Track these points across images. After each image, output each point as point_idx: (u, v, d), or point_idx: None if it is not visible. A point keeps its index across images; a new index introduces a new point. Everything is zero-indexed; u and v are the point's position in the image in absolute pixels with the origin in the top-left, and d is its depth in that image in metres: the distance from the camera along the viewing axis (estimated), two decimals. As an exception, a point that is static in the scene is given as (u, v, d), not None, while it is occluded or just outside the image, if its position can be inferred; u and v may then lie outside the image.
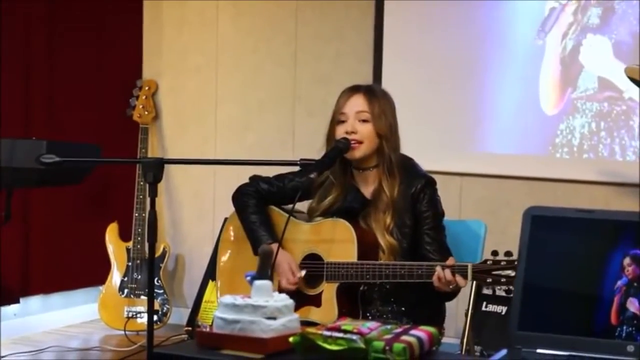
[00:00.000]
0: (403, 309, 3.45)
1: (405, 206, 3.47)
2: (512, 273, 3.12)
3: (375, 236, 3.45)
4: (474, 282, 3.63)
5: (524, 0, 5.30)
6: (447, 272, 3.22)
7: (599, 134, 5.15)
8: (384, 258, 3.41)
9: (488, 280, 3.20)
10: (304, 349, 2.37)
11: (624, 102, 5.09)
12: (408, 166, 3.54)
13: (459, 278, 3.22)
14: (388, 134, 3.49)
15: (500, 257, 3.20)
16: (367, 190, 3.55)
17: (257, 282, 2.54)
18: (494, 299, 4.77)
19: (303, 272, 3.48)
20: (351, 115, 3.50)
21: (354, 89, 3.56)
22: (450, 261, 3.25)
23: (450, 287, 3.25)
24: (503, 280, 3.15)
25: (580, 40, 5.20)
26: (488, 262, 3.19)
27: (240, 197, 3.65)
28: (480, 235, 3.79)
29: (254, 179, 3.69)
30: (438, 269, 3.23)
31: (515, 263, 3.10)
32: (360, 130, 3.48)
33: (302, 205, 3.66)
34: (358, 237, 3.41)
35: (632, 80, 4.47)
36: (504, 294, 4.10)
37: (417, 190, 3.48)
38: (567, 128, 5.23)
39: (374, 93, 3.55)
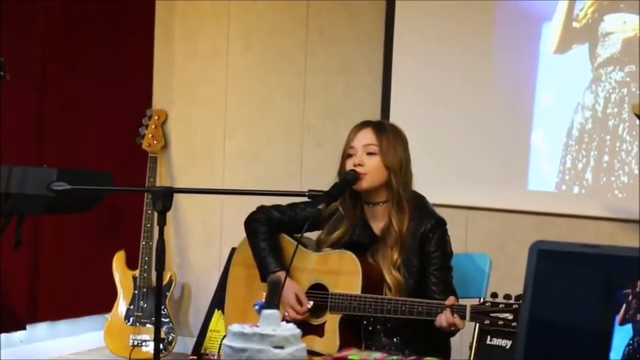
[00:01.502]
0: (406, 342, 3.47)
1: (414, 245, 3.49)
2: (509, 316, 3.15)
3: (381, 272, 3.47)
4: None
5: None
6: (447, 313, 3.25)
7: (605, 169, 5.17)
8: (390, 295, 3.43)
9: (486, 322, 3.22)
10: (311, 378, 2.39)
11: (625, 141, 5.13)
12: (419, 204, 3.56)
13: (457, 319, 3.24)
14: (397, 168, 3.52)
15: (500, 298, 3.21)
16: (377, 226, 3.57)
17: (265, 311, 2.56)
18: (499, 333, 4.77)
19: (311, 304, 3.50)
20: (359, 149, 3.54)
21: (363, 124, 3.61)
22: (450, 301, 3.28)
23: (452, 328, 3.27)
24: (500, 323, 3.17)
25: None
26: (487, 304, 3.21)
27: (252, 223, 3.69)
28: (485, 268, 3.82)
29: (263, 208, 3.73)
30: (438, 319, 3.25)
31: (514, 307, 3.13)
32: (367, 163, 3.52)
33: (313, 235, 3.69)
34: (364, 271, 3.44)
35: (638, 117, 4.50)
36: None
37: (427, 230, 3.50)
38: (572, 163, 5.25)
39: (383, 127, 3.59)
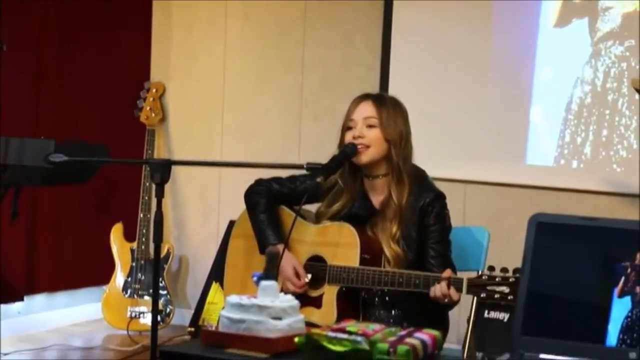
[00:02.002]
0: (404, 315, 3.47)
1: (413, 219, 3.49)
2: (506, 289, 3.15)
3: (380, 245, 3.47)
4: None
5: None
6: (443, 285, 3.25)
7: (604, 144, 5.17)
8: (389, 268, 3.43)
9: (482, 295, 3.22)
10: (309, 349, 2.39)
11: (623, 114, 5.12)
12: (419, 178, 3.55)
13: (452, 291, 3.24)
14: (397, 140, 3.51)
15: (497, 272, 3.21)
16: (377, 199, 3.57)
17: (263, 283, 2.57)
18: (496, 306, 4.78)
19: (309, 277, 3.51)
20: (359, 121, 3.53)
21: (363, 97, 3.60)
22: (447, 273, 3.28)
23: (446, 300, 3.27)
24: (497, 296, 3.17)
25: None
26: (483, 277, 3.21)
27: (252, 195, 3.69)
28: (483, 242, 3.82)
29: (262, 180, 3.72)
30: (432, 290, 3.25)
31: (511, 280, 3.13)
32: (367, 135, 3.50)
33: (313, 207, 3.69)
34: (363, 244, 3.44)
35: (638, 91, 4.49)
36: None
37: (426, 204, 3.49)
38: (571, 138, 5.25)
39: (383, 100, 3.58)
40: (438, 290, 3.25)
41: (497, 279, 3.18)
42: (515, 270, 3.15)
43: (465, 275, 3.31)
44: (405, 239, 3.48)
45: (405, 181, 3.51)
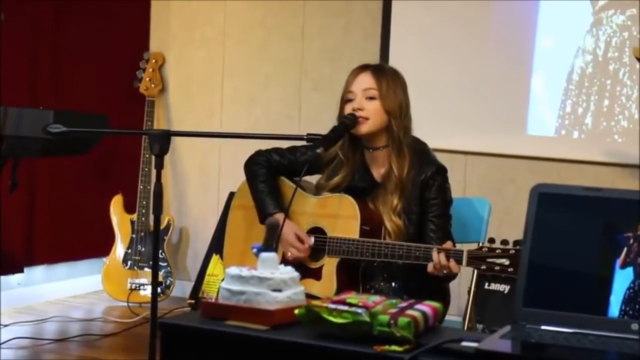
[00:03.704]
0: (404, 287, 3.46)
1: (414, 192, 3.47)
2: (506, 262, 3.14)
3: (381, 218, 3.45)
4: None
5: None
6: (442, 257, 3.24)
7: (605, 114, 5.15)
8: (389, 241, 3.42)
9: (482, 267, 3.21)
10: (309, 321, 2.38)
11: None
12: (421, 151, 3.53)
13: (452, 263, 3.23)
14: (397, 111, 3.48)
15: (497, 244, 3.20)
16: (378, 172, 3.55)
17: (263, 254, 2.55)
18: (497, 278, 4.78)
19: (312, 240, 3.50)
20: (358, 93, 3.51)
21: (362, 68, 3.57)
22: (447, 245, 3.27)
23: (444, 272, 3.26)
24: (497, 268, 3.17)
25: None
26: (483, 249, 3.20)
27: (251, 165, 3.68)
28: (484, 213, 3.81)
29: (263, 151, 3.71)
30: (434, 254, 3.24)
31: (511, 252, 3.12)
32: (366, 107, 3.48)
33: (313, 179, 3.67)
34: (363, 216, 3.43)
35: (639, 60, 4.47)
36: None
37: (427, 177, 3.47)
38: (572, 108, 5.23)
39: (383, 71, 3.55)
40: (436, 260, 3.23)
41: (497, 251, 3.17)
42: (516, 242, 3.14)
43: (465, 247, 3.30)
44: (406, 212, 3.46)
45: (406, 153, 3.49)
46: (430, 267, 3.27)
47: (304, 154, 3.64)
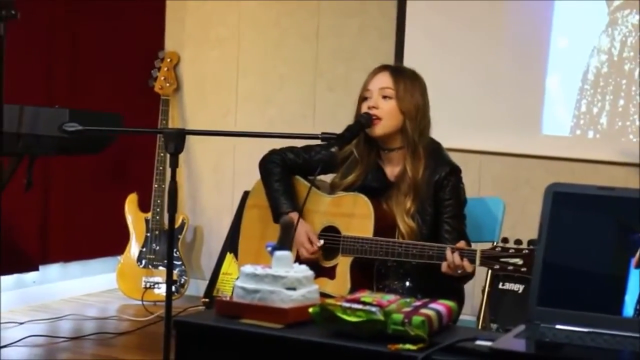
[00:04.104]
0: (418, 286, 3.46)
1: (428, 193, 3.46)
2: (519, 261, 3.13)
3: (394, 219, 3.45)
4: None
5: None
6: (456, 256, 3.23)
7: (620, 114, 5.13)
8: None
9: (495, 267, 3.20)
10: (323, 319, 2.38)
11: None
12: (435, 152, 3.52)
13: (466, 263, 3.22)
14: (413, 113, 3.47)
15: (511, 244, 3.20)
16: (392, 172, 3.54)
17: (278, 253, 2.56)
18: (511, 278, 4.77)
19: (321, 242, 3.50)
20: (375, 92, 3.50)
21: (381, 67, 3.57)
22: (460, 244, 3.26)
23: (459, 272, 3.25)
24: (510, 268, 3.16)
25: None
26: (497, 249, 3.19)
27: (266, 164, 3.68)
28: (498, 213, 3.80)
29: (277, 150, 3.71)
30: (447, 253, 3.23)
31: (524, 252, 3.11)
32: (381, 106, 3.48)
33: (328, 178, 3.68)
34: (377, 216, 3.43)
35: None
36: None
37: (441, 178, 3.47)
38: (587, 108, 5.21)
39: (402, 72, 3.55)
40: (450, 259, 3.23)
41: (510, 251, 3.16)
42: (530, 242, 3.14)
43: (480, 247, 3.29)
44: (420, 213, 3.45)
45: (421, 155, 3.47)
46: (444, 267, 3.26)
47: (318, 152, 3.64)
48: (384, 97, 3.49)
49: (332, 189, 3.62)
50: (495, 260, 3.19)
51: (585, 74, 5.22)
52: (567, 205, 2.37)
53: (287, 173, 3.66)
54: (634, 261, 2.28)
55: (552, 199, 2.38)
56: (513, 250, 3.16)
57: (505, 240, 3.21)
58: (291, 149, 3.70)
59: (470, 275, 3.33)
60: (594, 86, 5.20)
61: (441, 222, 3.48)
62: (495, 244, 3.31)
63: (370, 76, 3.56)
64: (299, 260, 3.40)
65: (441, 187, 3.47)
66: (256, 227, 3.73)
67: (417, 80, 3.55)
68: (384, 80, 3.51)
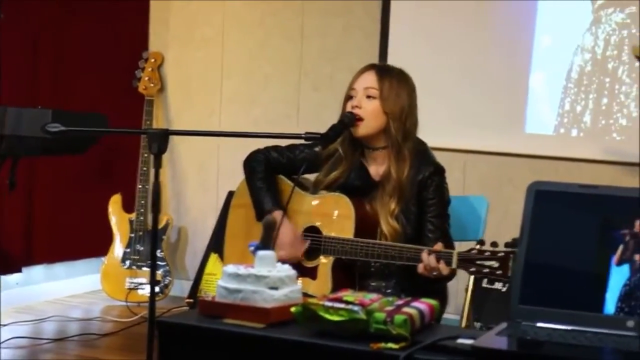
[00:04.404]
0: (400, 285, 3.45)
1: (412, 192, 3.46)
2: (495, 264, 3.13)
3: (377, 220, 3.44)
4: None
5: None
6: (432, 258, 3.22)
7: (604, 112, 5.15)
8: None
9: (471, 270, 3.20)
10: (306, 319, 2.38)
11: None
12: (421, 152, 3.51)
13: (442, 265, 3.22)
14: (397, 114, 3.45)
15: (489, 246, 3.20)
16: (376, 171, 3.54)
17: (260, 252, 2.55)
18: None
19: (308, 243, 3.49)
20: (360, 91, 3.50)
21: (368, 67, 3.56)
22: (437, 246, 3.26)
23: (434, 273, 3.24)
24: (486, 270, 3.15)
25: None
26: (473, 251, 3.19)
27: (250, 162, 3.68)
28: (482, 211, 3.81)
29: (262, 148, 3.70)
30: (423, 255, 3.23)
31: (499, 255, 3.11)
32: (364, 106, 3.47)
33: (312, 177, 3.67)
34: (360, 217, 3.42)
35: (638, 59, 4.46)
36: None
37: (425, 177, 3.46)
38: (571, 106, 5.23)
39: (388, 72, 3.53)
40: (426, 261, 3.22)
41: (486, 254, 3.16)
42: (507, 244, 3.13)
43: (463, 246, 3.29)
44: (404, 213, 3.45)
45: (406, 156, 3.46)
46: (420, 268, 3.26)
47: (302, 152, 3.64)
48: (368, 96, 3.48)
49: (315, 186, 3.61)
50: (471, 263, 3.18)
51: (569, 72, 5.24)
52: (549, 203, 2.37)
53: (270, 172, 3.65)
54: (615, 258, 2.29)
55: (534, 197, 2.38)
56: (489, 253, 3.16)
57: (481, 242, 3.21)
58: (275, 148, 3.69)
59: (448, 277, 3.32)
60: (578, 85, 5.21)
61: (425, 222, 3.47)
62: (476, 245, 3.30)
63: (356, 75, 3.55)
64: (281, 259, 3.38)
65: (425, 187, 3.47)
66: (241, 227, 3.73)
67: (404, 80, 3.54)
68: (369, 80, 3.50)
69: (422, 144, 3.55)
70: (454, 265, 3.20)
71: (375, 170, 3.54)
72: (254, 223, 3.60)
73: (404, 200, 3.45)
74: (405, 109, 3.48)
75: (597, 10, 5.16)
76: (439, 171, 3.50)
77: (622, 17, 5.10)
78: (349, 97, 3.53)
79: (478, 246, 3.18)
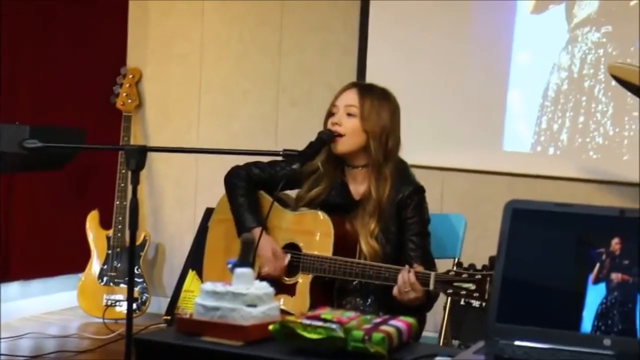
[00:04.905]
0: (379, 303, 3.46)
1: (391, 212, 3.46)
2: (472, 286, 3.14)
3: (357, 239, 3.44)
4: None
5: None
6: (412, 275, 3.22)
7: (580, 130, 5.17)
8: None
9: (449, 291, 3.21)
10: (284, 336, 2.38)
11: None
12: (401, 172, 3.52)
13: (417, 285, 3.22)
14: (377, 134, 3.45)
15: (466, 267, 3.20)
16: (357, 190, 3.54)
17: (238, 270, 2.55)
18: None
19: (288, 258, 3.49)
20: (341, 108, 3.50)
21: (351, 84, 3.57)
22: (417, 269, 3.26)
23: (408, 296, 3.24)
24: (463, 292, 3.16)
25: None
26: (450, 273, 3.20)
27: (232, 179, 3.67)
28: (460, 229, 3.81)
29: (243, 164, 3.70)
30: (403, 272, 3.23)
31: (477, 277, 3.12)
32: (344, 123, 3.48)
33: (294, 193, 3.67)
34: (339, 235, 3.43)
35: (615, 78, 4.49)
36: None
37: (404, 197, 3.46)
38: (548, 124, 5.25)
39: (370, 91, 3.53)
40: (406, 277, 3.22)
41: (463, 276, 3.17)
42: (484, 267, 3.14)
43: (441, 263, 3.30)
44: (384, 233, 3.45)
45: (387, 176, 3.46)
46: (394, 291, 3.26)
47: (283, 168, 3.64)
48: (349, 114, 3.49)
49: (297, 201, 3.62)
50: (448, 285, 3.19)
51: (545, 90, 5.26)
52: (526, 222, 2.38)
53: (252, 188, 3.65)
54: (592, 277, 2.30)
55: (511, 216, 2.39)
56: (466, 275, 3.16)
57: (459, 264, 3.22)
58: (256, 164, 3.69)
59: (423, 305, 3.32)
60: (555, 103, 5.24)
61: (405, 240, 3.47)
62: (458, 259, 3.31)
63: (338, 92, 3.56)
64: (259, 276, 3.38)
65: (404, 206, 3.47)
66: (221, 243, 3.72)
67: (387, 100, 3.54)
68: (350, 98, 3.51)
69: (402, 162, 3.56)
70: (431, 287, 3.21)
71: (355, 189, 3.55)
72: (234, 239, 3.60)
73: (384, 220, 3.45)
74: (386, 129, 3.48)
75: (573, 30, 5.20)
76: (419, 190, 3.51)
77: (598, 37, 5.13)
78: (330, 114, 3.53)
79: (456, 268, 3.19)
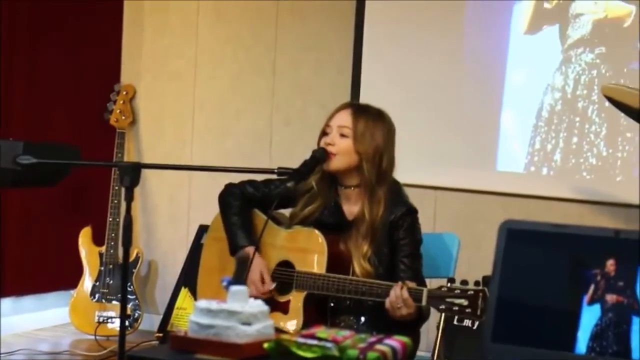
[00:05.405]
0: (372, 322, 3.46)
1: (384, 233, 3.47)
2: (464, 302, 3.15)
3: (350, 259, 3.45)
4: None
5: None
6: (404, 291, 3.23)
7: (574, 151, 5.18)
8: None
9: (441, 307, 3.22)
10: (278, 355, 2.38)
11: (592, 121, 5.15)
12: (393, 192, 3.53)
13: (410, 300, 3.23)
14: (370, 155, 3.46)
15: (458, 284, 3.21)
16: (350, 210, 3.55)
17: (233, 288, 2.55)
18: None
19: (273, 285, 3.50)
20: (334, 128, 3.52)
21: (345, 105, 3.60)
22: (410, 284, 3.27)
23: (400, 312, 3.25)
24: (455, 308, 3.17)
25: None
26: (443, 289, 3.20)
27: (226, 197, 3.68)
28: (453, 248, 3.82)
29: (237, 183, 3.70)
30: (395, 287, 3.24)
31: (469, 293, 3.13)
32: (337, 143, 3.49)
33: (288, 212, 3.68)
34: (332, 254, 3.44)
35: (608, 99, 4.50)
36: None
37: (397, 218, 3.47)
38: (541, 145, 5.26)
39: (365, 112, 3.54)
40: (398, 292, 3.23)
41: (456, 291, 3.17)
42: (477, 283, 3.15)
43: (434, 282, 3.30)
44: (377, 254, 3.46)
45: (381, 198, 3.47)
46: (387, 304, 3.27)
47: (277, 187, 3.64)
48: (342, 135, 3.50)
49: (291, 219, 3.62)
50: (441, 300, 3.20)
51: (539, 111, 5.28)
52: (520, 242, 2.38)
53: (245, 206, 3.65)
54: (586, 298, 2.30)
55: (506, 236, 2.39)
56: (459, 291, 3.17)
57: (451, 280, 3.23)
58: (251, 182, 3.70)
59: (415, 321, 3.33)
60: (548, 123, 5.25)
61: (397, 262, 3.48)
62: (448, 283, 3.31)
63: (333, 112, 3.58)
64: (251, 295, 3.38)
65: (397, 227, 3.48)
66: (215, 261, 3.73)
67: (381, 120, 3.55)
68: (344, 119, 3.52)
69: (396, 183, 3.57)
70: (423, 303, 3.22)
71: (349, 209, 3.55)
72: (229, 257, 3.60)
73: (376, 242, 3.46)
74: (379, 150, 3.49)
75: (567, 50, 5.21)
76: (411, 211, 3.51)
77: (592, 57, 5.15)
78: (324, 134, 3.54)
79: (448, 284, 3.19)
